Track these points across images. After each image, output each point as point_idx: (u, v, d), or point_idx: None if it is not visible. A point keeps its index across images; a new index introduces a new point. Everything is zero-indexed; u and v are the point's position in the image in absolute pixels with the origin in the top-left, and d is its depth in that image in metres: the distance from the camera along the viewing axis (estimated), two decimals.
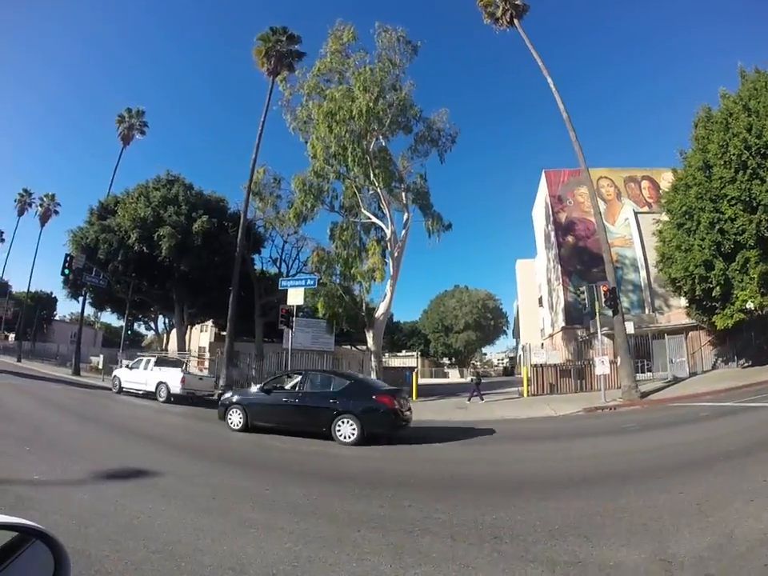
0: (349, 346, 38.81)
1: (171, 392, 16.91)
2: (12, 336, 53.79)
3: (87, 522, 4.01)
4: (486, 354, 65.48)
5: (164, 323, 38.45)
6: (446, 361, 59.49)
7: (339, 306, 22.23)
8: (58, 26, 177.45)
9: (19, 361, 37.32)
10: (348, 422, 9.42)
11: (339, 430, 9.43)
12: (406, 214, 24.42)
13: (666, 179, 40.73)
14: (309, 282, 20.22)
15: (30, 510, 4.17)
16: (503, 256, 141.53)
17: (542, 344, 40.06)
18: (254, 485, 5.83)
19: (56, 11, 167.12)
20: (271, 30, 27.62)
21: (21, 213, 47.29)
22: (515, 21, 25.02)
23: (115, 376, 20.23)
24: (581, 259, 37.11)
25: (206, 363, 30.85)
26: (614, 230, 38.26)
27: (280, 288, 20.52)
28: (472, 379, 20.52)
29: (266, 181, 25.08)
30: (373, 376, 22.29)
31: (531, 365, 24.22)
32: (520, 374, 44.70)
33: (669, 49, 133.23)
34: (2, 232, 54.41)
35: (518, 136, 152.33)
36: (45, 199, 45.08)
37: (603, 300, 19.71)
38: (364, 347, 35.26)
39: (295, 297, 19.80)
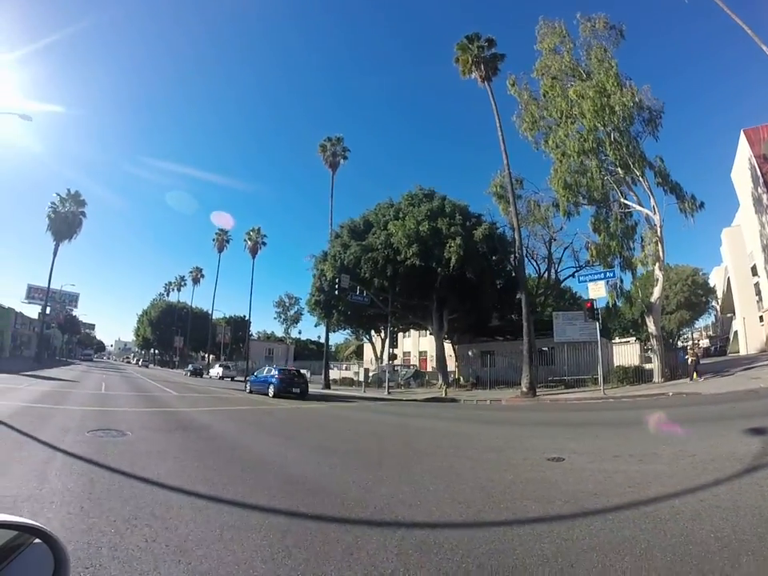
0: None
1: None
2: (211, 357, 60.39)
3: None
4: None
5: (385, 331, 40.36)
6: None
7: (620, 295, 22.76)
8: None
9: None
10: None
11: None
12: (651, 198, 24.43)
13: None
14: (608, 275, 20.92)
15: None
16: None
17: (761, 316, 37.79)
18: None
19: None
20: (467, 39, 28.20)
21: (220, 250, 53.42)
22: None
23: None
24: None
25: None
26: None
27: (579, 282, 21.41)
28: (692, 360, 21.59)
29: (506, 183, 26.18)
30: (656, 359, 22.82)
31: None
32: (737, 352, 42.36)
33: None
34: (201, 269, 61.98)
35: (700, 95, 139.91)
36: (252, 234, 49.70)
37: None
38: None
39: (596, 290, 20.63)
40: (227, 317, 55.18)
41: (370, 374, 33.67)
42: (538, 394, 21.49)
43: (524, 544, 3.40)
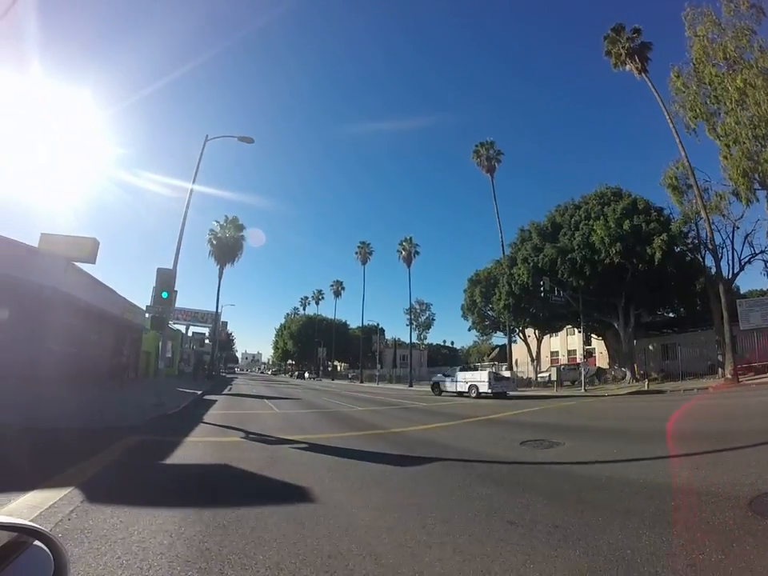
0: None
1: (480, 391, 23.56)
2: (342, 365, 64.63)
3: None
4: None
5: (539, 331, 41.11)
6: None
7: None
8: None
9: (411, 386, 43.05)
10: None
11: None
12: None
13: None
14: None
15: None
16: None
17: None
18: None
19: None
20: (613, 31, 28.42)
21: (364, 261, 56.28)
22: None
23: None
24: None
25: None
26: None
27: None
28: None
29: (680, 174, 26.65)
30: None
31: None
32: None
33: None
34: (342, 282, 68.26)
35: None
36: (405, 244, 51.55)
37: None
38: None
39: None
40: (359, 326, 57.91)
41: (542, 374, 35.33)
42: (740, 380, 21.83)
43: None
